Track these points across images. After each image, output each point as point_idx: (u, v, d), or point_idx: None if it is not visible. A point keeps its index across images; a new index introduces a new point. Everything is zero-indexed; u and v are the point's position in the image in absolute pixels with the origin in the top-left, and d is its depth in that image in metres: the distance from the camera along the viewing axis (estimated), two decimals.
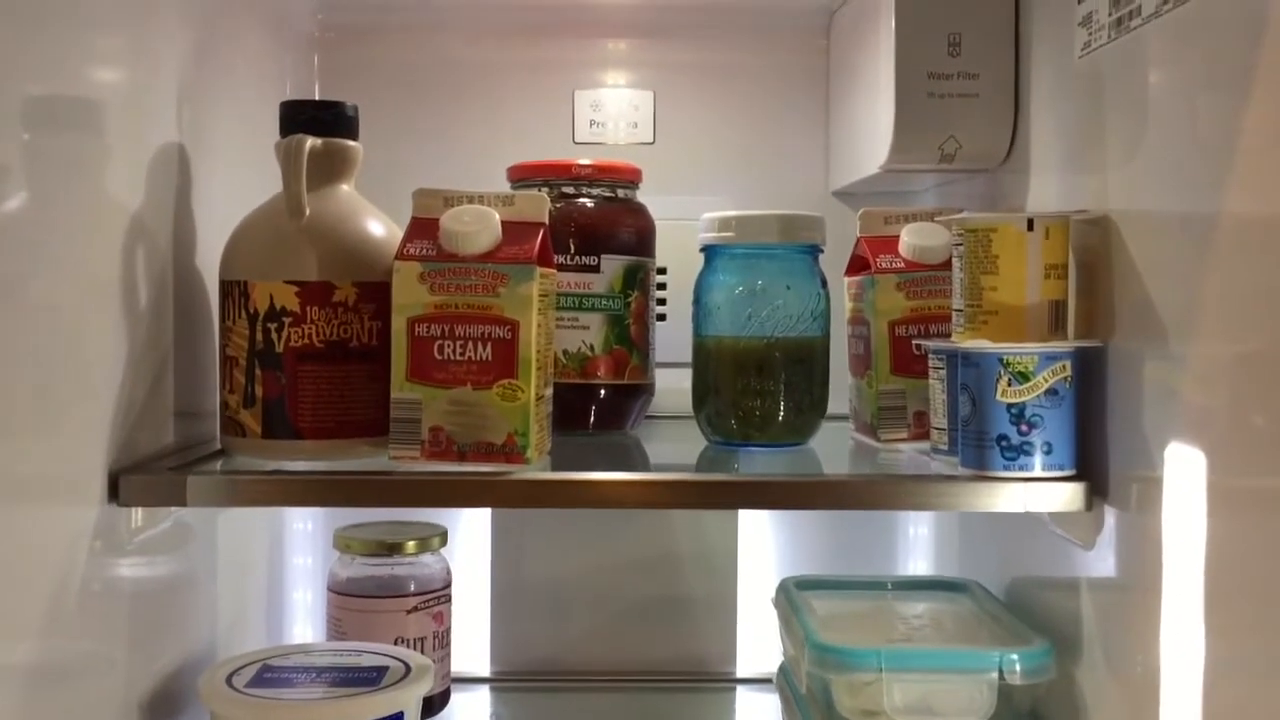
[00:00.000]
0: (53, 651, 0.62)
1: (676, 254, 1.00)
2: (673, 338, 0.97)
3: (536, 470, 0.73)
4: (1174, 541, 0.61)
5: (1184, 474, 0.60)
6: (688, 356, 0.90)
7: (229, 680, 0.75)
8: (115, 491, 0.68)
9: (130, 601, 0.72)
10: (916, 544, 1.11)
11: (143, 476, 0.68)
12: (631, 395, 0.92)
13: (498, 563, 1.09)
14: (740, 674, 1.08)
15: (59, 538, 0.63)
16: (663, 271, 1.01)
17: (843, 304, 0.90)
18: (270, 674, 0.77)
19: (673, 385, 0.95)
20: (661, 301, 1.03)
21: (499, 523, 1.08)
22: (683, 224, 0.96)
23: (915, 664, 0.73)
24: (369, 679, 0.76)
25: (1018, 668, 0.72)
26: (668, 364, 0.95)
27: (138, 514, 0.70)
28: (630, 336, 0.91)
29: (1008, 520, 0.87)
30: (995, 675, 0.72)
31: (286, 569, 1.09)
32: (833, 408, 0.88)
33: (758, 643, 1.09)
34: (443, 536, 0.97)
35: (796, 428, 0.85)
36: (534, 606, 1.08)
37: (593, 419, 0.91)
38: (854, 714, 0.76)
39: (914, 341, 0.83)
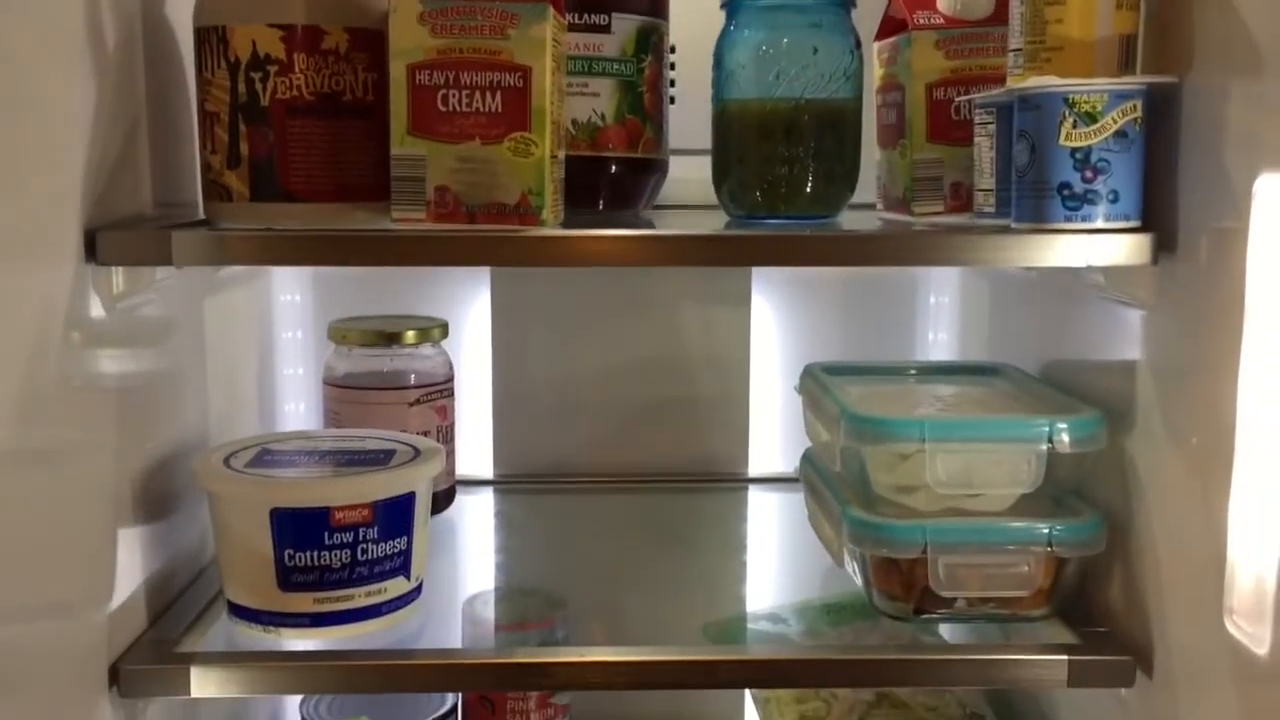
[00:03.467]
0: (32, 425, 0.56)
1: (684, 26, 0.91)
2: (684, 121, 0.90)
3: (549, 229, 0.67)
4: (1261, 295, 0.56)
5: (1276, 220, 0.55)
6: (700, 143, 0.83)
7: (226, 461, 0.70)
8: (93, 249, 0.61)
9: (116, 379, 0.67)
10: (936, 344, 1.07)
11: (123, 232, 0.62)
12: (645, 171, 0.86)
13: (499, 363, 1.04)
14: (752, 474, 1.05)
15: (32, 300, 0.57)
16: (671, 50, 0.93)
17: (872, 73, 0.83)
18: (270, 456, 0.72)
19: (683, 175, 0.88)
20: (670, 83, 0.95)
21: (500, 320, 1.03)
22: None
23: (960, 434, 0.69)
24: (377, 460, 0.72)
25: (1066, 436, 0.68)
26: (679, 151, 0.89)
27: (118, 277, 0.64)
28: (644, 105, 0.84)
29: (1044, 295, 0.83)
30: (1044, 446, 0.68)
31: (278, 373, 1.03)
32: (857, 196, 0.82)
33: (769, 444, 1.05)
34: (443, 328, 0.92)
35: (825, 199, 0.79)
36: (538, 408, 1.04)
37: (603, 196, 0.84)
38: (889, 490, 0.72)
39: (954, 102, 0.76)
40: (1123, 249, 0.64)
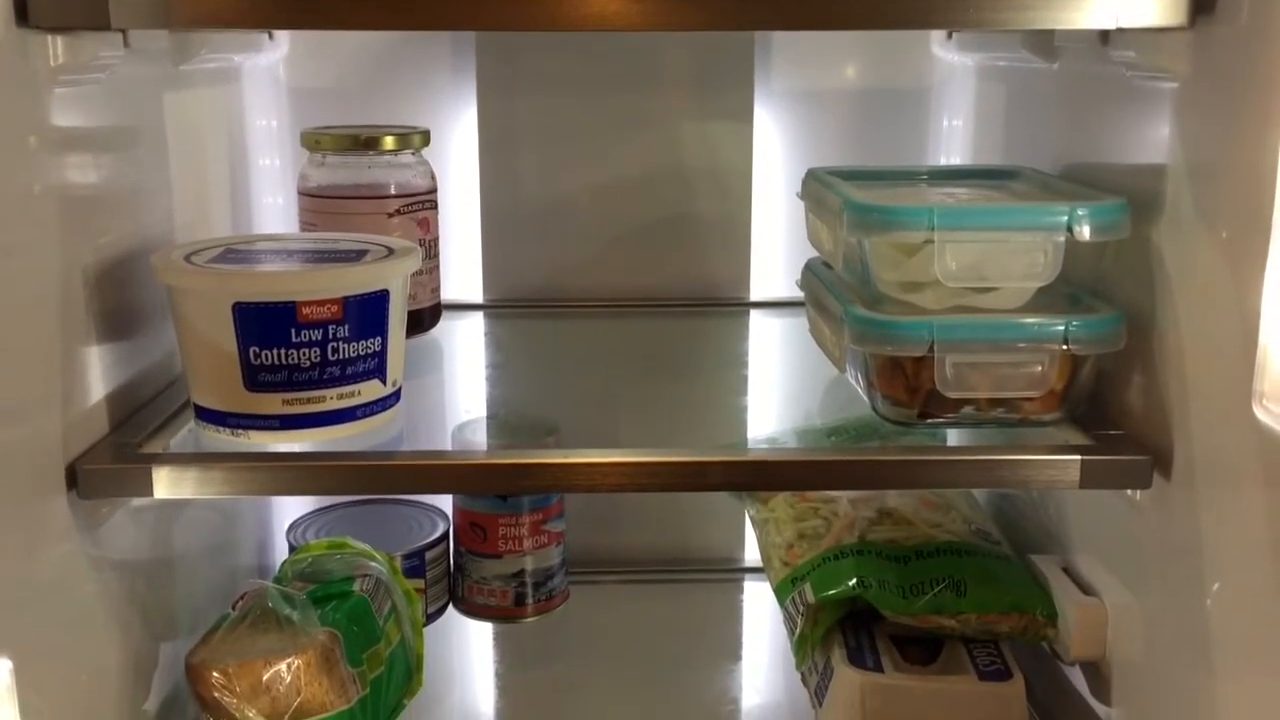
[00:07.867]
0: None
1: None
2: None
3: None
4: None
5: None
6: None
7: (188, 258, 0.66)
8: (24, 11, 0.56)
9: (59, 166, 0.62)
10: (949, 159, 1.01)
11: None
12: None
13: (487, 183, 0.99)
14: (754, 298, 1.00)
15: None
16: None
17: None
18: (235, 254, 0.68)
19: None
20: None
21: (488, 137, 0.98)
22: None
23: (973, 222, 0.64)
24: (348, 258, 0.68)
25: (1087, 224, 0.63)
26: None
27: (56, 47, 0.59)
28: None
29: (1066, 89, 0.77)
30: (1062, 236, 0.64)
31: (255, 200, 0.98)
32: None
33: (772, 268, 1.01)
34: (425, 135, 0.86)
35: None
36: (529, 230, 0.99)
37: None
38: (895, 289, 0.68)
39: None
40: (1156, 8, 0.58)
